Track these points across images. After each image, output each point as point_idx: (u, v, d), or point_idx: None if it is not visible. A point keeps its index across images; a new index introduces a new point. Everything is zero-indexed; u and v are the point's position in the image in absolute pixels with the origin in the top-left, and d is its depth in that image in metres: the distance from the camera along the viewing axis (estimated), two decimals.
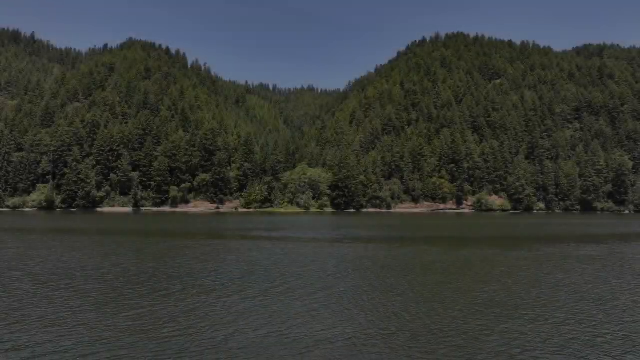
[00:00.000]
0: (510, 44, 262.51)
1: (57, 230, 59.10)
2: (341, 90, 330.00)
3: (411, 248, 39.59)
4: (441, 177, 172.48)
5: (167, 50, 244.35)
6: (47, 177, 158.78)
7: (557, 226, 78.62)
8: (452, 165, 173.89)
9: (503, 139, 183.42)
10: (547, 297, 19.76)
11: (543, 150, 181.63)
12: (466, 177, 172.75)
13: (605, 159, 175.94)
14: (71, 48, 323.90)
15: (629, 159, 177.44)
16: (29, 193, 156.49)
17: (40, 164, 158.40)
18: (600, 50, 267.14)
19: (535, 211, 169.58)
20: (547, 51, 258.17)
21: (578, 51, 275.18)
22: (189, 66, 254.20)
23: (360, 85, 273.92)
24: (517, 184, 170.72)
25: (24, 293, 19.63)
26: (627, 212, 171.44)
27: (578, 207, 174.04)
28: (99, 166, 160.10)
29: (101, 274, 24.17)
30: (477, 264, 29.87)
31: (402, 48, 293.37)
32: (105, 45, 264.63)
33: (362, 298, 19.35)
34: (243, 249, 36.92)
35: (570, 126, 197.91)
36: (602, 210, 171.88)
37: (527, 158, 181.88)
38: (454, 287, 21.90)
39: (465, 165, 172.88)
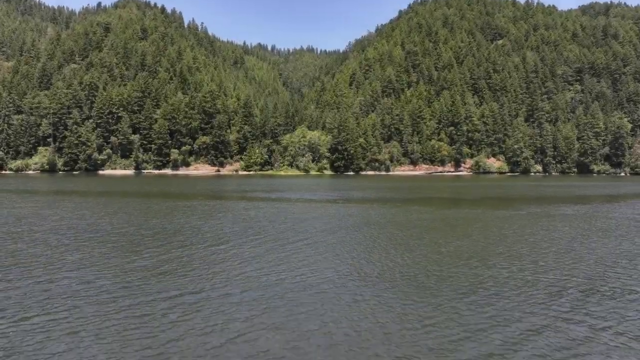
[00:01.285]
0: (513, 2, 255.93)
1: (63, 192, 61.03)
2: (341, 51, 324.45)
3: (403, 208, 41.50)
4: (440, 140, 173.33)
5: (163, 9, 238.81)
6: (48, 140, 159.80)
7: (550, 188, 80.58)
8: (452, 128, 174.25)
9: (503, 102, 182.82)
10: (510, 250, 21.70)
11: (542, 113, 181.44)
12: (465, 139, 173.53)
13: (604, 122, 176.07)
14: (63, 6, 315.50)
15: (628, 121, 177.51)
16: (30, 156, 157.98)
17: (41, 127, 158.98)
18: (607, 8, 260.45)
19: (532, 174, 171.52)
20: (551, 10, 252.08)
21: (583, 10, 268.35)
22: (186, 26, 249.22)
23: (360, 46, 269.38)
24: (516, 146, 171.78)
25: (54, 245, 21.58)
26: (622, 174, 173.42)
27: (575, 169, 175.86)
28: (99, 129, 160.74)
29: (115, 230, 26.12)
30: (460, 222, 31.80)
31: (404, 7, 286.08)
32: (99, 4, 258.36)
33: (347, 250, 21.31)
34: (242, 209, 38.87)
35: (571, 88, 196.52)
36: (599, 172, 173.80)
37: (526, 121, 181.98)
38: (432, 240, 23.85)
39: (465, 128, 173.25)
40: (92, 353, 10.25)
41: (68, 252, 20.40)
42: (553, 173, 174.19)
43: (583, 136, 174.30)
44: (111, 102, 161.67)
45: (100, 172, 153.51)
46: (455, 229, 28.27)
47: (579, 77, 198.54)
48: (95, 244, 22.15)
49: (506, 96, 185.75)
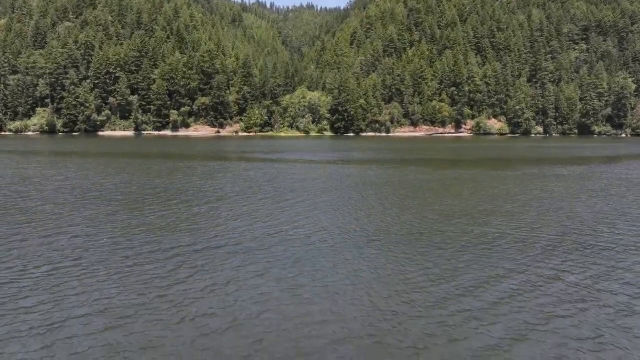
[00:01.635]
0: None
1: (64, 153, 61.60)
2: (342, 8, 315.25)
3: (400, 169, 42.20)
4: (441, 101, 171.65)
5: None
6: (46, 100, 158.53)
7: (549, 149, 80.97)
8: (453, 88, 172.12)
9: (506, 61, 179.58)
10: (500, 209, 22.54)
11: (546, 73, 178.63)
12: (466, 100, 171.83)
13: (608, 82, 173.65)
14: None
15: (633, 81, 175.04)
16: (29, 117, 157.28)
17: (38, 87, 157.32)
18: None
19: (532, 135, 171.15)
20: None
21: None
22: None
23: (361, 2, 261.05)
24: (517, 107, 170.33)
25: (61, 203, 22.43)
26: (623, 135, 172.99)
27: (575, 130, 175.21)
28: (96, 89, 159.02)
29: (118, 189, 26.94)
30: (455, 182, 32.58)
31: None
32: None
33: (343, 208, 22.17)
34: (241, 169, 39.60)
35: (576, 47, 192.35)
36: (599, 133, 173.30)
37: (528, 81, 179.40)
38: (425, 199, 24.69)
39: (466, 88, 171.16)
40: (99, 297, 11.20)
41: (75, 209, 21.26)
42: (553, 134, 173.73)
43: (586, 97, 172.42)
44: (108, 61, 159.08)
45: (100, 133, 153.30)
46: (449, 189, 29.06)
47: (584, 36, 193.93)
48: (100, 202, 22.98)
49: (509, 56, 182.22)
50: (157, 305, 10.85)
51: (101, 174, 34.76)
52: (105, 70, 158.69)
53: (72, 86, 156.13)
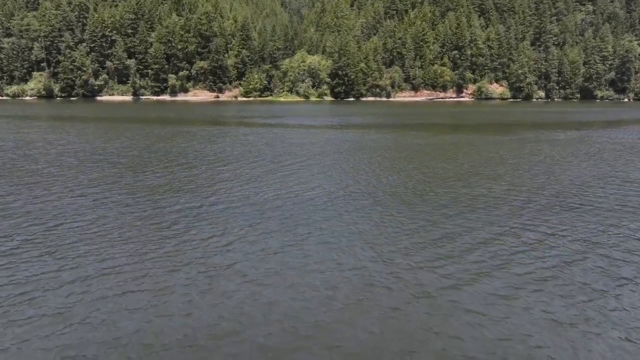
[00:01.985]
0: None
1: (63, 118, 61.73)
2: None
3: (398, 133, 42.60)
4: (443, 65, 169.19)
5: None
6: (42, 64, 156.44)
7: (549, 114, 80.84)
8: (455, 52, 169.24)
9: (510, 24, 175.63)
10: (492, 171, 23.21)
11: (550, 36, 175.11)
12: (468, 64, 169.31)
13: (613, 45, 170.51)
14: None
15: (638, 44, 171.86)
16: (25, 81, 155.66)
17: (33, 51, 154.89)
18: None
19: (534, 100, 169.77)
20: None
21: None
22: None
23: None
24: (520, 71, 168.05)
25: (67, 166, 23.11)
26: (626, 100, 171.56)
27: (578, 95, 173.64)
28: (93, 53, 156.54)
29: (121, 153, 27.55)
30: (451, 146, 33.11)
31: None
32: None
33: (339, 170, 22.87)
34: (241, 134, 40.03)
35: (582, 9, 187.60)
36: (602, 98, 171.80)
37: (532, 45, 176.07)
38: (419, 162, 25.33)
39: (469, 52, 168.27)
40: (104, 248, 12.03)
41: (81, 172, 21.96)
42: (555, 99, 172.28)
43: (590, 60, 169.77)
44: (103, 24, 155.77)
45: (98, 98, 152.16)
46: (445, 153, 29.63)
47: None
48: (104, 165, 23.65)
49: (513, 18, 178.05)
50: (161, 257, 11.69)
51: (103, 139, 35.27)
52: (101, 34, 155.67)
53: (68, 50, 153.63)
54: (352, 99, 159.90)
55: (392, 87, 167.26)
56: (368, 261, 11.61)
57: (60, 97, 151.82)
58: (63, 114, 69.25)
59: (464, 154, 29.21)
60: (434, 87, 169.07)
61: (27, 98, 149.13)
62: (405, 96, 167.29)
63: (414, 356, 7.81)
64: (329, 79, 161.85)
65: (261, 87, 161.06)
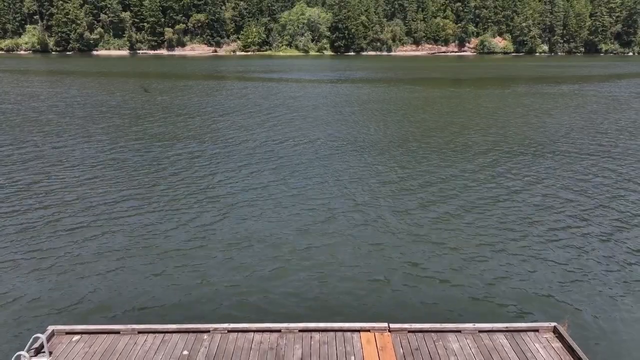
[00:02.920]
0: None
1: (63, 72, 61.83)
2: None
3: (395, 87, 43.21)
4: (445, 18, 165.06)
5: None
6: (35, 17, 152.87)
7: (549, 68, 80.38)
8: (459, 4, 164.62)
9: None
10: (479, 123, 24.32)
11: None
12: (471, 17, 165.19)
13: None
14: None
15: None
16: (19, 35, 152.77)
17: (24, 3, 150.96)
18: None
19: (537, 54, 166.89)
20: None
21: None
22: None
23: None
24: (524, 24, 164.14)
25: (78, 116, 24.28)
26: (630, 53, 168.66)
27: (582, 49, 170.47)
28: (86, 5, 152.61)
29: (124, 105, 28.63)
30: (443, 99, 33.98)
31: None
32: None
33: (332, 121, 24.02)
34: (240, 88, 40.72)
35: None
36: (606, 52, 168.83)
37: None
38: (409, 114, 26.43)
39: (472, 4, 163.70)
40: (119, 183, 13.48)
41: (89, 123, 23.18)
42: (559, 53, 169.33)
43: (596, 12, 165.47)
44: None
45: (95, 52, 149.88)
46: (434, 106, 30.58)
47: None
48: (110, 116, 24.80)
49: None
50: (165, 189, 13.16)
51: (105, 92, 36.13)
52: None
53: (61, 1, 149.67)
54: (352, 53, 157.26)
55: (393, 41, 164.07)
56: (356, 205, 13.07)
57: (56, 51, 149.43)
58: (62, 69, 69.17)
59: (453, 106, 30.18)
60: (435, 41, 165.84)
61: (22, 52, 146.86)
62: (406, 50, 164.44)
63: (382, 273, 9.40)
64: (328, 33, 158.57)
65: (260, 41, 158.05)
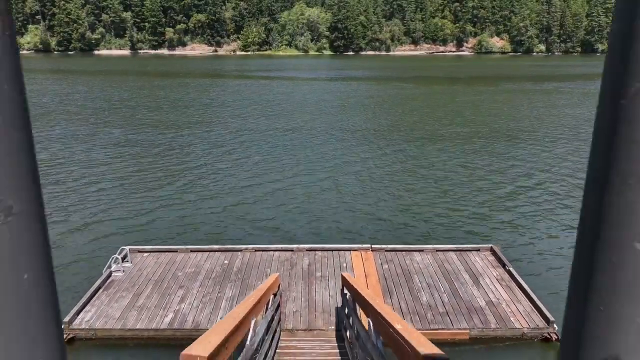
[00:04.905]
0: None
1: (68, 71, 63.37)
2: None
3: (389, 85, 44.78)
4: (444, 18, 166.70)
5: None
6: (37, 17, 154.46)
7: (543, 67, 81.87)
8: (457, 4, 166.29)
9: None
10: (459, 116, 25.94)
11: None
12: (470, 17, 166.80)
13: None
14: None
15: None
16: (21, 34, 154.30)
17: (26, 2, 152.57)
18: None
19: (534, 53, 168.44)
20: None
21: None
22: None
23: None
24: (521, 24, 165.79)
25: (96, 108, 25.91)
26: None
27: (579, 49, 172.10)
28: (88, 5, 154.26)
29: (133, 99, 30.26)
30: (431, 96, 35.60)
31: None
32: None
33: (321, 112, 25.71)
34: (236, 85, 42.34)
35: None
36: (602, 52, 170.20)
37: None
38: (394, 109, 28.08)
39: (470, 4, 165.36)
40: (136, 165, 15.06)
41: (103, 113, 24.81)
42: (556, 53, 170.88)
43: (593, 12, 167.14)
44: None
45: (96, 52, 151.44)
46: (424, 100, 32.15)
47: None
48: (121, 109, 26.42)
49: None
50: (174, 164, 14.79)
51: (117, 89, 37.77)
52: None
53: (63, 2, 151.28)
54: (351, 53, 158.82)
55: (392, 40, 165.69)
56: (352, 181, 14.70)
57: (58, 51, 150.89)
58: (68, 68, 70.64)
59: (439, 101, 31.79)
60: (434, 41, 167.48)
61: (25, 52, 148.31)
62: (404, 50, 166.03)
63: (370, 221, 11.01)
64: (328, 33, 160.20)
65: (260, 40, 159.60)
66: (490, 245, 8.24)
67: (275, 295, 5.81)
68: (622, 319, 0.47)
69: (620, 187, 0.45)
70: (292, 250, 8.81)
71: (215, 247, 9.11)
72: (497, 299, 6.83)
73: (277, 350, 5.49)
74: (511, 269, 7.48)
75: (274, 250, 8.87)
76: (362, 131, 21.60)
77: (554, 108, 29.83)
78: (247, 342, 3.59)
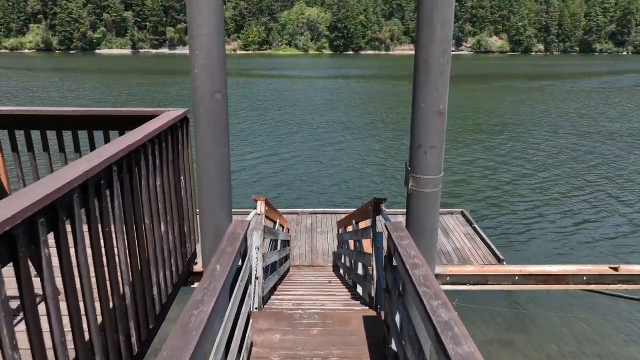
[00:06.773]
0: None
1: (71, 69, 64.75)
2: None
3: (380, 83, 46.28)
4: None
5: None
6: (39, 17, 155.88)
7: (539, 67, 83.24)
8: (455, 3, 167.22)
9: None
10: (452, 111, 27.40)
11: None
12: (468, 17, 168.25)
13: None
14: None
15: None
16: (23, 34, 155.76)
17: (28, 2, 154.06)
18: None
19: (533, 53, 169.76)
20: None
21: None
22: None
23: None
24: (520, 24, 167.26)
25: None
26: (625, 53, 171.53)
27: (577, 48, 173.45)
28: (89, 5, 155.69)
29: (136, 97, 31.67)
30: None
31: None
32: None
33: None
34: (235, 83, 43.76)
35: None
36: (601, 51, 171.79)
37: None
38: (385, 105, 29.51)
39: (469, 3, 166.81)
40: None
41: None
42: (554, 52, 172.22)
43: (591, 12, 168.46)
44: None
45: (98, 51, 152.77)
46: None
47: None
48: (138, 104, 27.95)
49: None
50: None
51: (122, 86, 39.20)
52: None
53: (64, 1, 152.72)
54: (351, 52, 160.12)
55: (392, 40, 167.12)
56: (350, 168, 16.21)
57: (59, 50, 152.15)
58: (75, 66, 71.96)
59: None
60: None
61: (26, 51, 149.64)
62: (404, 49, 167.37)
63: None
64: (327, 32, 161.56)
65: (260, 40, 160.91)
66: (461, 209, 9.64)
67: (288, 230, 7.91)
68: None
69: None
70: (297, 213, 10.07)
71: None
72: (462, 246, 8.31)
73: (288, 274, 7.35)
74: (476, 225, 8.95)
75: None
76: (357, 123, 23.07)
77: (545, 107, 31.20)
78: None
